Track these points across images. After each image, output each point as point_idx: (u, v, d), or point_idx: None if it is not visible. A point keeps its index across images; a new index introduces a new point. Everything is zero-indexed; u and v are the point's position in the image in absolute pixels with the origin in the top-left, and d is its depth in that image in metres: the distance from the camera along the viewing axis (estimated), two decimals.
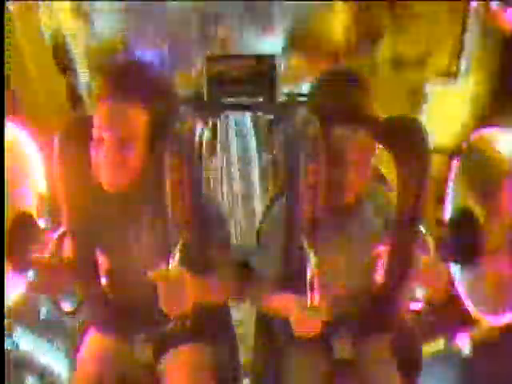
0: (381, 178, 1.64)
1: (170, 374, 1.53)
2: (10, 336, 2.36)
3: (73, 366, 1.61)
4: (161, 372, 1.55)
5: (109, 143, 1.33)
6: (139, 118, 1.35)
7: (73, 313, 1.53)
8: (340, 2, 2.77)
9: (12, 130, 1.69)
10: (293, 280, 1.47)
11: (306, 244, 1.41)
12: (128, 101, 1.33)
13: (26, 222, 1.68)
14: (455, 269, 1.83)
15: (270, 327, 1.65)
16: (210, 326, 1.58)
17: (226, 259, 1.53)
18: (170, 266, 1.31)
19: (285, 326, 1.39)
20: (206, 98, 2.18)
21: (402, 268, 1.48)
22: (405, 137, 1.45)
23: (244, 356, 1.75)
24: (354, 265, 1.53)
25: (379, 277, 1.53)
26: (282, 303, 1.43)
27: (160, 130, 1.38)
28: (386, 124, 1.45)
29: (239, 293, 1.57)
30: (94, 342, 1.59)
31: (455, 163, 1.82)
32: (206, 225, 1.49)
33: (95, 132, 1.35)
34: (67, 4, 2.81)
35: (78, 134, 1.42)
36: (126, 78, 1.37)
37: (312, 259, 1.35)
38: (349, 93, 1.42)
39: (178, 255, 1.33)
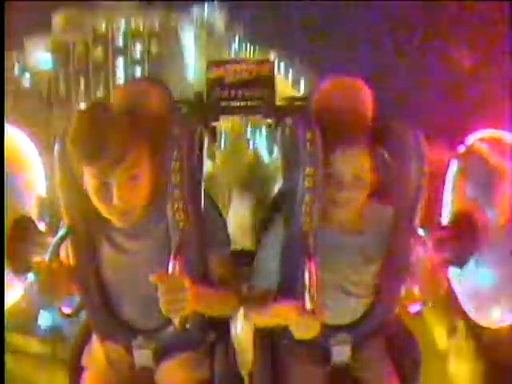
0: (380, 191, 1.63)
1: (168, 381, 1.54)
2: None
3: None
4: (158, 380, 1.56)
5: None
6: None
7: (73, 316, 1.53)
8: None
9: (12, 131, 1.69)
10: (291, 289, 1.47)
11: (304, 251, 1.42)
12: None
13: (25, 224, 1.68)
14: (454, 271, 1.83)
15: (268, 333, 1.64)
16: (208, 333, 1.59)
17: (225, 265, 1.53)
18: (170, 268, 1.32)
19: (283, 330, 1.39)
20: (205, 102, 2.19)
21: (400, 271, 1.49)
22: (400, 142, 1.46)
23: (242, 362, 1.75)
24: (354, 277, 1.52)
25: (378, 281, 1.53)
26: (281, 309, 1.43)
27: (161, 135, 1.39)
28: (382, 131, 1.45)
29: (238, 305, 1.57)
30: (93, 346, 1.60)
31: (453, 165, 1.82)
32: (206, 229, 1.49)
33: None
34: None
35: None
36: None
37: (310, 264, 1.36)
38: (345, 106, 1.43)
39: (177, 258, 1.34)
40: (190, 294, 1.29)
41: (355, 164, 1.40)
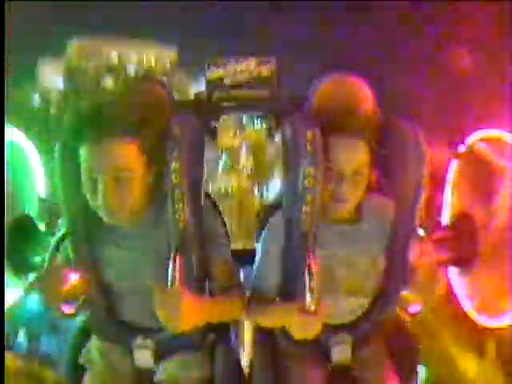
0: (381, 189, 1.62)
1: (168, 381, 1.54)
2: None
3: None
4: (158, 380, 1.55)
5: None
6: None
7: (73, 315, 1.53)
8: None
9: (13, 132, 1.69)
10: (291, 289, 1.47)
11: (304, 251, 1.42)
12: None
13: (25, 224, 1.68)
14: (454, 271, 1.84)
15: (268, 334, 1.64)
16: (208, 334, 1.59)
17: (225, 270, 1.53)
18: (170, 269, 1.32)
19: (284, 331, 1.39)
20: (206, 101, 2.19)
21: (400, 271, 1.48)
22: (400, 142, 1.46)
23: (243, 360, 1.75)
24: (353, 272, 1.52)
25: (378, 281, 1.53)
26: (282, 310, 1.43)
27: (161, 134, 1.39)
28: (382, 130, 1.45)
29: (240, 312, 1.56)
30: (92, 346, 1.60)
31: (453, 166, 1.82)
32: (206, 230, 1.49)
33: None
34: None
35: None
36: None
37: (310, 263, 1.36)
38: (345, 101, 1.42)
39: (177, 260, 1.34)
40: (187, 309, 1.29)
41: (355, 159, 1.40)
